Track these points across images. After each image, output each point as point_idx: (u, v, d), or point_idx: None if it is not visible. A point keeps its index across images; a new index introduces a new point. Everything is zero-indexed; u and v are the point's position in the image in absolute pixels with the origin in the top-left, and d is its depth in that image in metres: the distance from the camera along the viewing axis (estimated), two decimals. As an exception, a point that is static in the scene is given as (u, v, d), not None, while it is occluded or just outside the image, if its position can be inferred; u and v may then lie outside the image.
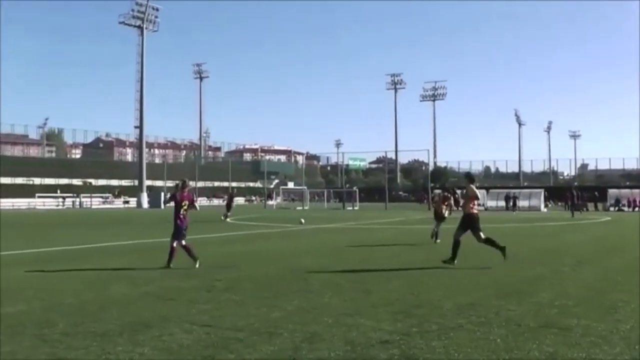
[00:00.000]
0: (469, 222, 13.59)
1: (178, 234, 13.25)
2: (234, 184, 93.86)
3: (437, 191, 45.35)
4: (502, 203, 60.38)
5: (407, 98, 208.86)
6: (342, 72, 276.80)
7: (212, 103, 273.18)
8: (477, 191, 13.75)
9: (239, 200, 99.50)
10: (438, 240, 19.53)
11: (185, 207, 13.40)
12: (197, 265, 12.96)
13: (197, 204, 14.03)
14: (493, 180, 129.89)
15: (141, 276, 11.78)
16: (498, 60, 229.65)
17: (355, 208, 66.31)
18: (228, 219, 37.37)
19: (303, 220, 33.89)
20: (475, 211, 13.67)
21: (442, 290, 10.13)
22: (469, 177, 14.39)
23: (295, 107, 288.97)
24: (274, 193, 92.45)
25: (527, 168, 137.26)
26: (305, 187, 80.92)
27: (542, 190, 65.30)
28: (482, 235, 13.64)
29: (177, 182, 14.02)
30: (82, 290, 10.10)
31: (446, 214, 20.12)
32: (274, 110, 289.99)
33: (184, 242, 13.30)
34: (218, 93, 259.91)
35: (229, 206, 39.55)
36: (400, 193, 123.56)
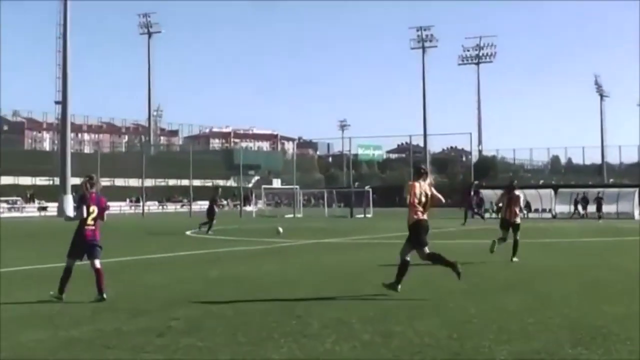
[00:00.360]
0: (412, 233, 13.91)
1: (78, 249, 13.47)
2: (196, 183, 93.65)
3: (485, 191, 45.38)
4: (579, 207, 60.31)
5: (440, 61, 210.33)
6: (348, 23, 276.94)
7: (166, 70, 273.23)
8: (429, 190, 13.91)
9: (199, 206, 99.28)
10: (515, 259, 20.20)
11: (94, 215, 13.58)
12: (103, 298, 13.13)
13: (105, 214, 13.95)
14: (564, 176, 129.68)
15: (66, 314, 11.75)
16: (569, 4, 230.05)
17: (368, 215, 66.45)
18: (211, 232, 37.22)
19: (281, 230, 33.88)
20: (422, 217, 13.91)
21: (494, 332, 10.09)
22: (416, 169, 14.81)
23: (283, 76, 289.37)
24: (254, 195, 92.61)
25: (613, 158, 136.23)
26: (297, 187, 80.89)
27: (637, 190, 63.95)
28: (427, 250, 13.87)
29: (84, 178, 14.05)
30: (-19, 335, 10.04)
31: (518, 219, 20.88)
32: (254, 80, 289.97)
33: (97, 264, 13.40)
34: (174, 55, 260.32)
35: (211, 213, 38.73)
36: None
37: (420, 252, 13.83)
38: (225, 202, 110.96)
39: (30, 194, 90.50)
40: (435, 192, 14.14)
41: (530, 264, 19.49)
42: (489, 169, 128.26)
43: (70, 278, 13.45)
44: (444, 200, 14.35)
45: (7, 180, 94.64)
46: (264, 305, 12.67)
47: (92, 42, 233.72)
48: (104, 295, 13.21)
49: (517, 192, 21.00)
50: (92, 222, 13.56)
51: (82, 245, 13.51)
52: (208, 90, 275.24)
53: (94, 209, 13.60)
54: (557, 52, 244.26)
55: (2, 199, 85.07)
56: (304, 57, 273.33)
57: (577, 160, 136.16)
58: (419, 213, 13.86)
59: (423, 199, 13.88)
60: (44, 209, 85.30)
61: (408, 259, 13.85)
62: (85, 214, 13.53)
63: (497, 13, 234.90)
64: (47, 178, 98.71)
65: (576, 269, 18.36)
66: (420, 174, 14.26)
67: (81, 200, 13.83)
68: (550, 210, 62.82)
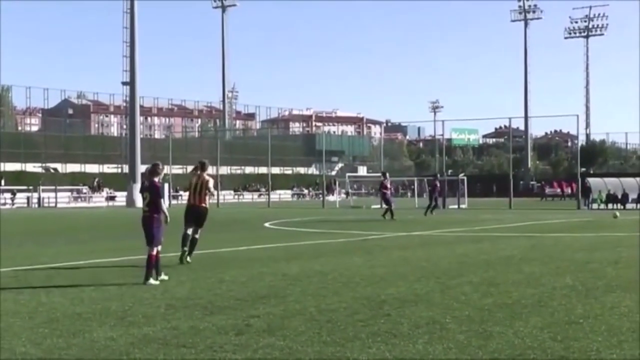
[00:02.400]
0: None
1: (149, 237, 15.48)
2: (274, 170, 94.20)
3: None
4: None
5: (544, 34, 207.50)
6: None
7: (242, 48, 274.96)
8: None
9: (278, 195, 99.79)
10: None
11: (147, 201, 15.49)
12: (158, 280, 15.14)
13: (164, 205, 15.69)
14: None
15: (138, 311, 11.99)
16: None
17: (463, 206, 66.02)
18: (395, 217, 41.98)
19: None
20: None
21: (603, 334, 10.02)
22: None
23: (369, 54, 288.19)
24: (337, 183, 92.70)
25: None
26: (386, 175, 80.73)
27: None
28: None
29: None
30: (48, 335, 10.31)
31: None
32: (337, 59, 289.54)
33: (153, 250, 15.33)
34: (250, 32, 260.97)
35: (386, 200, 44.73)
36: (533, 183, 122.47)
37: None
38: (306, 192, 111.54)
39: (97, 182, 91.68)
40: None
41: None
42: (597, 156, 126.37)
43: (159, 260, 15.47)
44: None
45: (73, 167, 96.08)
46: (350, 303, 12.74)
47: (161, 17, 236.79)
48: (150, 281, 14.97)
49: None
50: (147, 209, 15.51)
51: (148, 230, 15.47)
52: (287, 70, 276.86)
53: (146, 195, 15.45)
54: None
55: (68, 187, 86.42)
56: (390, 32, 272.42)
57: None
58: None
59: None
60: (112, 198, 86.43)
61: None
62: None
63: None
64: (115, 165, 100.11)
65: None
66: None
67: (141, 187, 15.97)
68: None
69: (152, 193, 15.49)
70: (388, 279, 15.89)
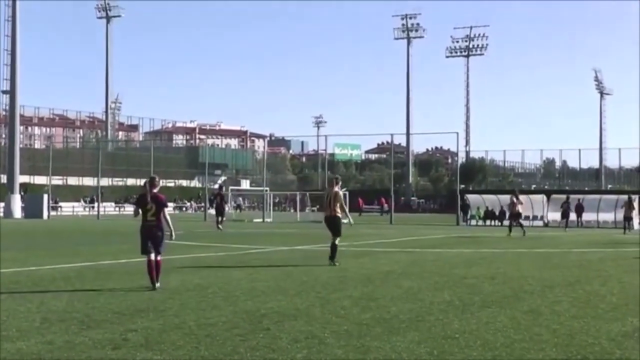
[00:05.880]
0: None
1: (145, 244, 16.66)
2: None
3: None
4: (573, 215, 59.93)
5: (426, 52, 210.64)
6: (324, 10, 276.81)
7: (126, 59, 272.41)
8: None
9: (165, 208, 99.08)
10: None
11: (152, 212, 16.60)
12: (157, 286, 16.22)
13: (167, 212, 17.09)
14: (559, 180, 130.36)
15: (11, 326, 11.76)
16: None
17: (344, 221, 66.46)
18: (221, 227, 44.59)
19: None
20: None
21: (478, 348, 10.21)
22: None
23: (254, 67, 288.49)
24: (213, 196, 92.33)
25: (612, 162, 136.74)
26: (267, 189, 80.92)
27: (637, 197, 63.50)
28: None
29: (147, 179, 17.19)
30: None
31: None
32: (221, 71, 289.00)
33: (158, 257, 16.62)
34: (135, 43, 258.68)
35: (220, 209, 46.32)
36: (414, 198, 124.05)
37: None
38: (188, 204, 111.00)
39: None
40: None
41: (519, 276, 19.68)
42: (476, 173, 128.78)
43: (153, 268, 16.38)
44: None
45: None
46: (230, 317, 12.70)
47: (44, 25, 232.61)
48: (157, 285, 16.24)
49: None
50: (152, 218, 16.66)
51: (147, 238, 16.64)
52: (172, 82, 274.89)
53: (152, 206, 16.61)
54: (553, 45, 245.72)
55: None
56: (275, 45, 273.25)
57: (573, 163, 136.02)
58: None
59: None
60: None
61: None
62: (139, 212, 16.82)
63: (490, 1, 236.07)
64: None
65: (568, 281, 18.51)
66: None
67: (139, 199, 17.01)
68: (542, 218, 63.06)
69: (158, 204, 16.74)
70: (268, 293, 15.88)
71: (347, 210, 23.89)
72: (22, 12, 79.13)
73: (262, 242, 34.88)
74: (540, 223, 61.85)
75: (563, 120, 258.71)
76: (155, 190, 16.85)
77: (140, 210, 16.87)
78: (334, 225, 23.13)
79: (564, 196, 66.12)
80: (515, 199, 44.12)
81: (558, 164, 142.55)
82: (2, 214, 75.55)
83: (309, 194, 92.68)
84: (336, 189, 23.07)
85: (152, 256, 16.47)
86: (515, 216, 44.38)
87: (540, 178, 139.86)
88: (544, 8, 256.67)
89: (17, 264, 22.47)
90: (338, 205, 22.97)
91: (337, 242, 22.96)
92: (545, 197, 65.37)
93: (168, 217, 16.97)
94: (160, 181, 17.71)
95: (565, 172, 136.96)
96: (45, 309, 13.26)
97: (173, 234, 17.21)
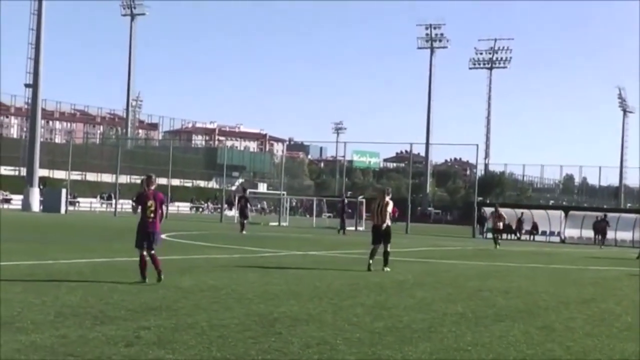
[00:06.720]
0: None
1: (141, 239, 17.19)
2: (174, 182, 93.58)
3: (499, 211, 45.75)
4: (589, 233, 60.00)
5: (449, 63, 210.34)
6: (347, 15, 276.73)
7: (149, 57, 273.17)
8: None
9: (181, 207, 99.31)
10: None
11: (152, 209, 17.17)
12: (161, 279, 16.92)
13: (165, 209, 18.06)
14: (577, 197, 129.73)
15: (26, 318, 11.78)
16: (595, 5, 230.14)
17: (360, 228, 66.43)
18: (245, 231, 45.15)
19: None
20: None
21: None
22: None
23: (275, 70, 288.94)
24: (237, 199, 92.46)
25: (632, 180, 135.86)
26: (285, 193, 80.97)
27: None
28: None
29: (144, 177, 17.91)
30: None
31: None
32: (243, 74, 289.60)
33: (152, 250, 17.18)
34: (158, 42, 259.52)
35: (244, 212, 46.88)
36: (430, 209, 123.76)
37: None
38: (205, 205, 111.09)
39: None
40: None
41: (534, 291, 19.63)
42: (494, 186, 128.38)
43: (146, 263, 17.09)
44: None
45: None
46: (242, 319, 12.70)
47: (69, 20, 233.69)
48: (162, 277, 17.00)
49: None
50: (151, 215, 17.23)
51: (144, 235, 17.18)
52: (193, 82, 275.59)
53: (151, 203, 17.22)
54: (578, 61, 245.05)
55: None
56: (298, 51, 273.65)
57: (592, 180, 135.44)
58: None
59: None
60: (8, 201, 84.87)
61: None
62: (139, 210, 17.31)
63: (515, 14, 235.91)
64: (13, 168, 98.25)
65: (583, 298, 18.46)
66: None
67: (138, 197, 17.56)
68: (558, 234, 62.92)
69: (158, 202, 17.41)
70: (281, 297, 15.88)
71: (389, 218, 24.65)
72: (48, 7, 79.28)
73: (277, 246, 34.92)
74: (557, 239, 61.72)
75: (584, 137, 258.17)
76: (152, 188, 17.57)
77: (140, 207, 17.49)
78: (385, 234, 23.97)
79: (582, 213, 66.03)
80: (497, 214, 45.13)
81: (577, 180, 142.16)
82: (20, 207, 75.95)
83: (325, 199, 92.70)
84: (387, 199, 24.08)
85: (145, 252, 17.21)
86: (497, 230, 45.85)
87: (559, 194, 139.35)
88: (569, 24, 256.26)
89: (34, 257, 22.59)
90: (388, 214, 23.88)
91: (388, 249, 24.01)
92: (563, 213, 65.22)
93: (165, 215, 18.21)
94: (155, 178, 18.19)
95: (584, 189, 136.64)
96: (60, 303, 13.32)
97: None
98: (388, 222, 24.02)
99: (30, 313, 12.18)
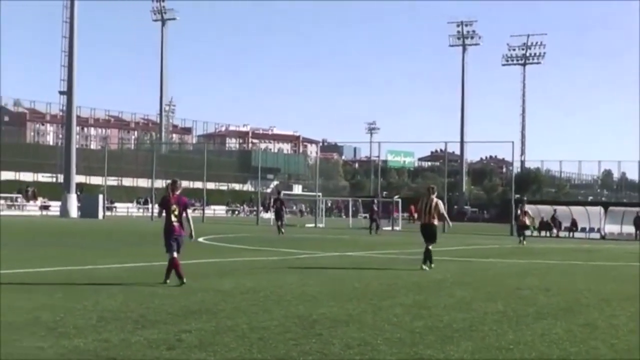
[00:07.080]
0: None
1: (170, 243, 17.38)
2: (209, 185, 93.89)
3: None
4: (630, 228, 59.66)
5: (482, 60, 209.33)
6: (379, 17, 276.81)
7: (181, 61, 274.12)
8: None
9: (217, 211, 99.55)
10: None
11: (176, 213, 17.44)
12: (183, 282, 16.98)
13: (190, 213, 18.01)
14: (617, 192, 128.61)
15: (68, 323, 11.86)
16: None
17: (397, 228, 66.35)
18: (283, 230, 46.30)
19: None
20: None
21: (533, 360, 10.10)
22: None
23: (307, 73, 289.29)
24: (272, 201, 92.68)
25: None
26: (320, 194, 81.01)
27: None
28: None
29: (168, 182, 18.12)
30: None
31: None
32: (276, 77, 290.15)
33: (175, 254, 17.26)
34: (189, 46, 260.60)
35: (280, 214, 47.28)
36: (467, 207, 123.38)
37: None
38: (240, 208, 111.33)
39: (32, 191, 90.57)
40: None
41: (574, 288, 19.52)
42: (531, 183, 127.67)
43: (178, 264, 17.30)
44: None
45: (7, 175, 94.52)
46: (282, 321, 12.73)
47: (101, 27, 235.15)
48: (184, 280, 17.08)
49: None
50: (176, 219, 17.48)
51: (172, 239, 17.38)
52: (226, 86, 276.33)
53: (175, 207, 17.49)
54: (614, 53, 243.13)
55: (2, 195, 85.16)
56: (330, 52, 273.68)
57: (632, 175, 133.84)
58: None
59: None
60: (46, 207, 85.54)
61: None
62: (163, 214, 17.64)
63: (548, 9, 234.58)
64: (50, 175, 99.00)
65: (626, 295, 18.29)
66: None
67: (162, 201, 17.90)
68: (598, 230, 62.49)
69: (182, 206, 17.66)
70: (320, 299, 15.89)
71: (447, 216, 26.40)
72: (80, 15, 79.87)
73: (314, 247, 34.98)
74: (597, 235, 61.33)
75: (622, 132, 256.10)
76: (177, 193, 17.79)
77: (164, 212, 17.72)
78: (430, 233, 24.21)
79: (622, 208, 65.50)
80: (522, 210, 45.33)
81: (616, 175, 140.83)
82: (58, 213, 76.55)
83: (361, 200, 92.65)
84: (434, 197, 24.10)
85: (176, 254, 17.37)
86: (522, 227, 46.05)
87: (598, 190, 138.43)
88: (603, 17, 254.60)
89: (73, 262, 22.78)
90: (437, 213, 24.05)
91: (431, 247, 24.11)
92: (602, 209, 64.77)
93: (190, 218, 18.03)
94: (180, 183, 18.38)
95: (623, 184, 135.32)
96: (101, 308, 13.41)
97: (193, 234, 18.20)
98: (435, 221, 24.21)
99: (72, 318, 12.27)
